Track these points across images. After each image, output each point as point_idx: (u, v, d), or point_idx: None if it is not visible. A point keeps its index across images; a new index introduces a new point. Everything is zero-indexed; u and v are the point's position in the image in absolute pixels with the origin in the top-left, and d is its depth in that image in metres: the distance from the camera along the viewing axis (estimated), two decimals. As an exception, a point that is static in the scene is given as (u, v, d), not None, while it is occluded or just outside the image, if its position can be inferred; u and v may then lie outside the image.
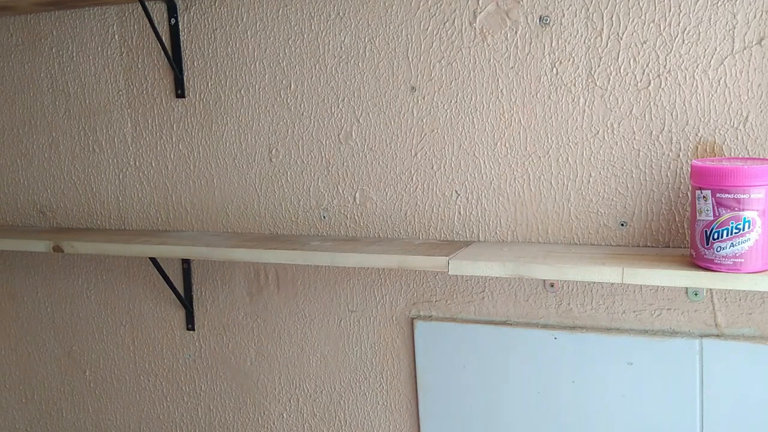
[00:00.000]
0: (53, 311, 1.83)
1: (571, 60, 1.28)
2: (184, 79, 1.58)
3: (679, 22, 1.21)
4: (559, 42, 1.28)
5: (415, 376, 1.48)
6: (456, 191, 1.40)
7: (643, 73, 1.24)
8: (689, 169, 1.17)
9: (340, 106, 1.46)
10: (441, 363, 1.44)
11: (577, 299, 1.35)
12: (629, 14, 1.23)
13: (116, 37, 1.63)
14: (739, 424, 1.25)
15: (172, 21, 1.56)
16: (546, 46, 1.29)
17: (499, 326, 1.40)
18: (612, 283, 1.31)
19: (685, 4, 1.20)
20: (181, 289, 1.66)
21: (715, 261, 1.08)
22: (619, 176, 1.28)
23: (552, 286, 1.36)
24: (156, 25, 1.55)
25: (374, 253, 1.32)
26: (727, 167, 1.06)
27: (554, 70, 1.29)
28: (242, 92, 1.54)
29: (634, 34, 1.24)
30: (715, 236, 1.07)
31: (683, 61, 1.22)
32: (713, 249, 1.08)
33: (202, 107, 1.58)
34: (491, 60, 1.33)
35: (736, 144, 1.21)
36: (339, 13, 1.43)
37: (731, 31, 1.18)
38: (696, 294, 1.27)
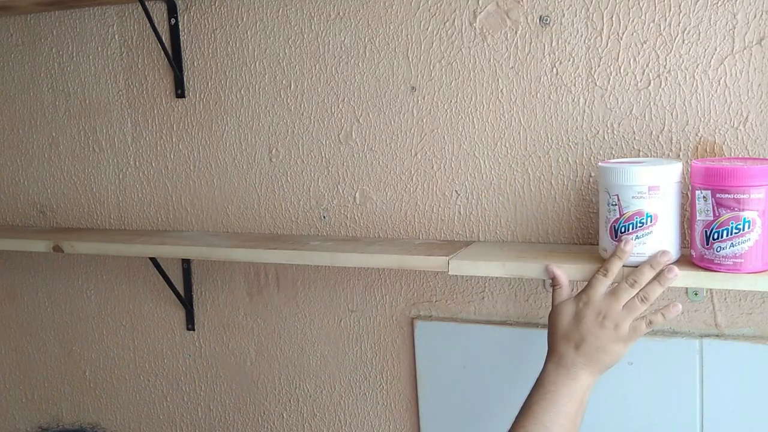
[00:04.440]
0: (53, 311, 1.83)
1: (571, 60, 1.28)
2: (184, 79, 1.58)
3: (679, 22, 1.21)
4: (559, 42, 1.28)
5: (415, 376, 1.48)
6: (456, 191, 1.40)
7: (643, 73, 1.24)
8: (689, 169, 1.17)
9: (340, 106, 1.46)
10: (441, 363, 1.44)
11: (577, 299, 1.35)
12: (629, 14, 1.23)
13: (116, 37, 1.63)
14: (739, 424, 1.25)
15: (172, 21, 1.56)
16: (546, 46, 1.29)
17: (499, 326, 1.40)
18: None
19: (685, 4, 1.20)
20: (181, 289, 1.66)
21: (715, 261, 1.08)
22: (619, 176, 1.28)
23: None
24: (156, 25, 1.55)
25: (374, 253, 1.32)
26: (727, 167, 1.06)
27: (554, 70, 1.29)
28: (242, 92, 1.54)
29: (634, 34, 1.24)
30: (715, 236, 1.07)
31: (683, 61, 1.22)
32: (713, 249, 1.08)
33: (202, 107, 1.58)
34: (491, 60, 1.33)
35: (736, 144, 1.21)
36: (339, 13, 1.43)
37: (731, 31, 1.18)
38: (696, 294, 1.27)
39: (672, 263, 1.11)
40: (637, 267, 1.12)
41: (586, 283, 1.15)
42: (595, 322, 1.10)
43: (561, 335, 1.13)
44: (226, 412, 1.70)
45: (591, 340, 1.10)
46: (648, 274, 1.10)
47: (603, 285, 1.13)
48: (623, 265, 1.13)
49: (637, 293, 1.10)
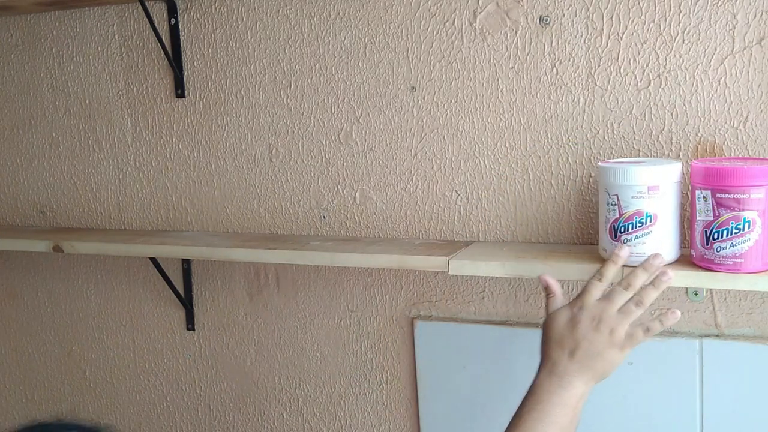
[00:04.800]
0: (53, 311, 1.83)
1: (571, 60, 1.28)
2: (184, 79, 1.58)
3: (679, 22, 1.21)
4: (559, 42, 1.28)
5: (415, 376, 1.48)
6: (456, 191, 1.40)
7: (643, 73, 1.24)
8: (689, 169, 1.17)
9: (340, 106, 1.46)
10: (441, 363, 1.44)
11: (577, 299, 1.35)
12: (629, 14, 1.23)
13: (116, 37, 1.63)
14: (739, 424, 1.25)
15: (172, 21, 1.56)
16: (546, 46, 1.29)
17: (499, 326, 1.40)
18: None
19: (685, 4, 1.20)
20: (181, 289, 1.66)
21: (715, 261, 1.09)
22: (619, 176, 1.28)
23: (552, 286, 1.36)
24: (156, 25, 1.55)
25: (374, 253, 1.32)
26: (727, 167, 1.06)
27: (554, 70, 1.29)
28: (242, 92, 1.54)
29: (634, 34, 1.24)
30: (715, 236, 1.07)
31: (683, 61, 1.22)
32: (713, 249, 1.08)
33: (202, 107, 1.58)
34: (491, 60, 1.33)
35: (736, 144, 1.21)
36: (339, 13, 1.43)
37: (731, 31, 1.18)
38: (696, 294, 1.27)
39: (666, 265, 1.11)
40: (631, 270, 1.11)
41: (582, 287, 1.14)
42: (589, 326, 1.07)
43: (555, 341, 1.10)
44: (226, 412, 1.70)
45: (585, 346, 1.07)
46: (642, 277, 1.09)
47: (598, 290, 1.11)
48: (623, 266, 1.13)
49: (632, 297, 1.08)
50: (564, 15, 1.27)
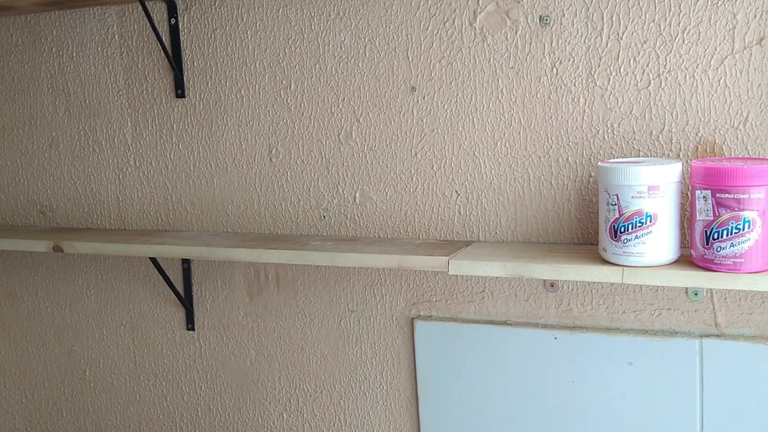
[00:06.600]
0: (53, 311, 1.83)
1: (571, 60, 1.28)
2: (184, 79, 1.58)
3: (679, 22, 1.21)
4: (559, 42, 1.28)
5: (415, 376, 1.48)
6: (456, 191, 1.40)
7: (643, 73, 1.24)
8: (689, 169, 1.17)
9: (340, 106, 1.46)
10: (441, 363, 1.44)
11: (577, 299, 1.35)
12: (629, 14, 1.23)
13: (116, 37, 1.63)
14: (739, 424, 1.25)
15: (172, 21, 1.56)
16: (546, 46, 1.29)
17: (499, 326, 1.40)
18: (612, 283, 1.31)
19: (685, 4, 1.20)
20: (181, 289, 1.66)
21: (715, 261, 1.09)
22: (619, 176, 1.28)
23: (552, 286, 1.36)
24: (156, 25, 1.55)
25: (374, 253, 1.32)
26: (727, 167, 1.06)
27: (554, 70, 1.29)
28: (242, 92, 1.54)
29: (634, 34, 1.24)
30: (715, 236, 1.07)
31: (683, 61, 1.22)
32: (713, 249, 1.08)
33: (202, 107, 1.58)
34: (491, 60, 1.33)
35: (736, 144, 1.21)
36: (339, 13, 1.43)
37: (731, 31, 1.18)
38: (696, 294, 1.27)
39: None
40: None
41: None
42: None
43: None
44: (226, 412, 1.70)
45: None
46: None
47: None
48: (624, 266, 1.13)
49: None
50: (564, 15, 1.27)
